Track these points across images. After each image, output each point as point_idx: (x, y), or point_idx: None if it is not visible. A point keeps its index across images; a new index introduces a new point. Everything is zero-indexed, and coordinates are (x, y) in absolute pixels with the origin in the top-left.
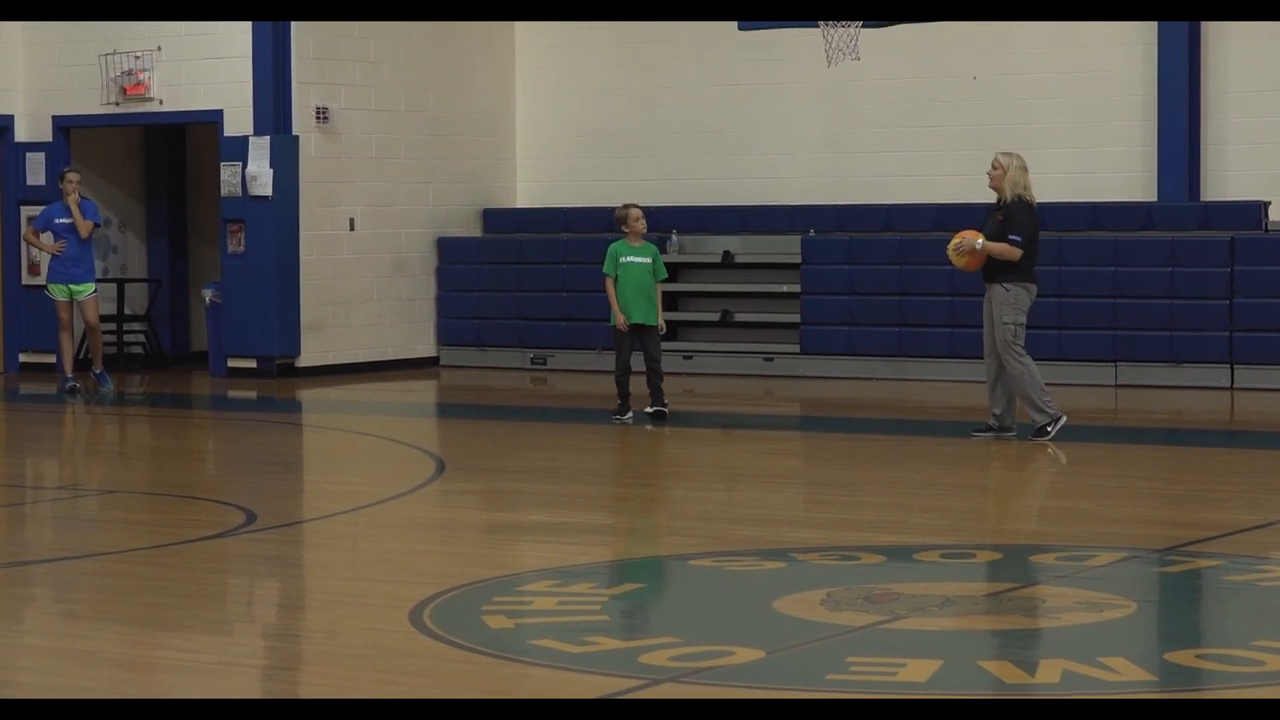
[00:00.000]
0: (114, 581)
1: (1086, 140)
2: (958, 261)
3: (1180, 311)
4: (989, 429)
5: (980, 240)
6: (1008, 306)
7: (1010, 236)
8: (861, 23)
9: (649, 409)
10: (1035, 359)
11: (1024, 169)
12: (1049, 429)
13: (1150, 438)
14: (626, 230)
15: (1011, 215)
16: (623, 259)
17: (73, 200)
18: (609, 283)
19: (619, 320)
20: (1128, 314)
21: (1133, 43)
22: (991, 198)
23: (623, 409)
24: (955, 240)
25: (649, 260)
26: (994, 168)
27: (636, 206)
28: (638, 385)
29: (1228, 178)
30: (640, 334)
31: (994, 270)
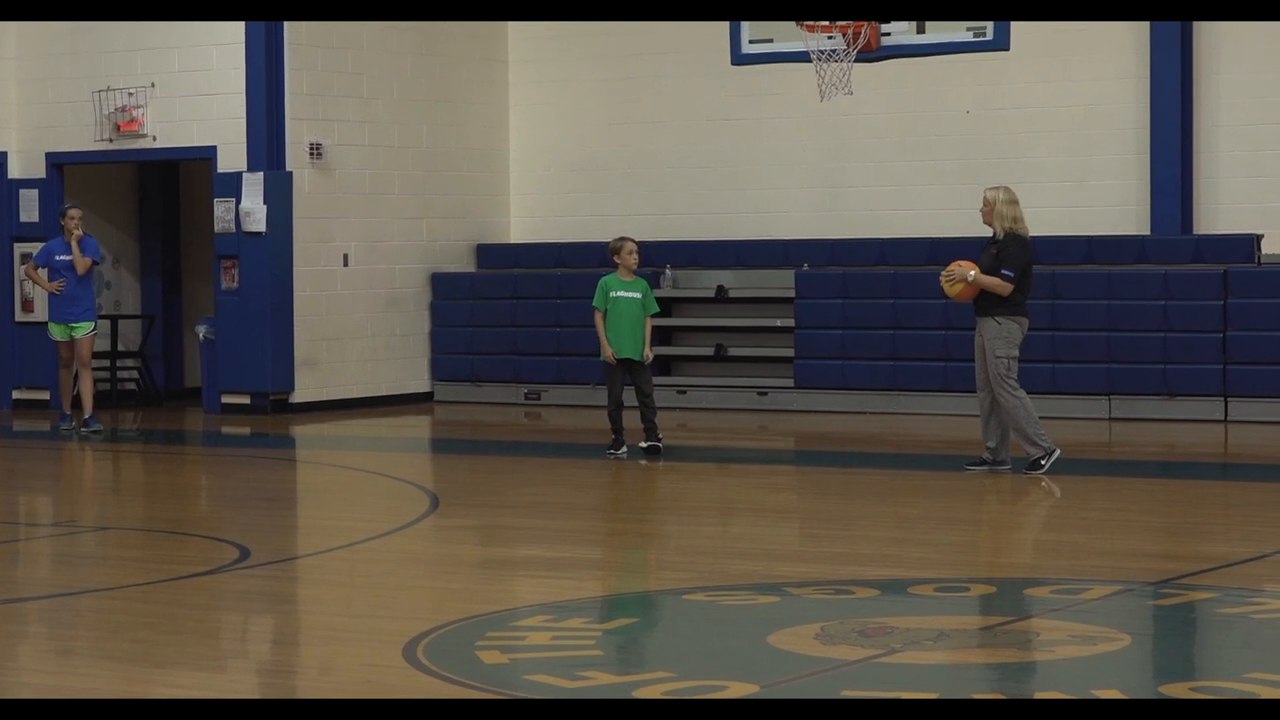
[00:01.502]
0: (108, 618)
1: (1080, 174)
2: (949, 290)
3: (1174, 344)
4: (983, 463)
5: (973, 272)
6: (999, 340)
7: (1003, 271)
8: (854, 56)
9: (643, 444)
10: (1029, 392)
11: (1012, 201)
12: (1043, 462)
13: (1144, 471)
14: (619, 263)
15: (1004, 249)
16: (613, 293)
17: (74, 238)
18: (599, 316)
19: (607, 354)
20: (1121, 347)
21: (1125, 77)
22: (986, 231)
23: (617, 443)
24: (950, 268)
25: (639, 295)
26: (984, 204)
27: (631, 239)
28: (631, 419)
29: (1220, 211)
30: (631, 368)
31: (985, 303)
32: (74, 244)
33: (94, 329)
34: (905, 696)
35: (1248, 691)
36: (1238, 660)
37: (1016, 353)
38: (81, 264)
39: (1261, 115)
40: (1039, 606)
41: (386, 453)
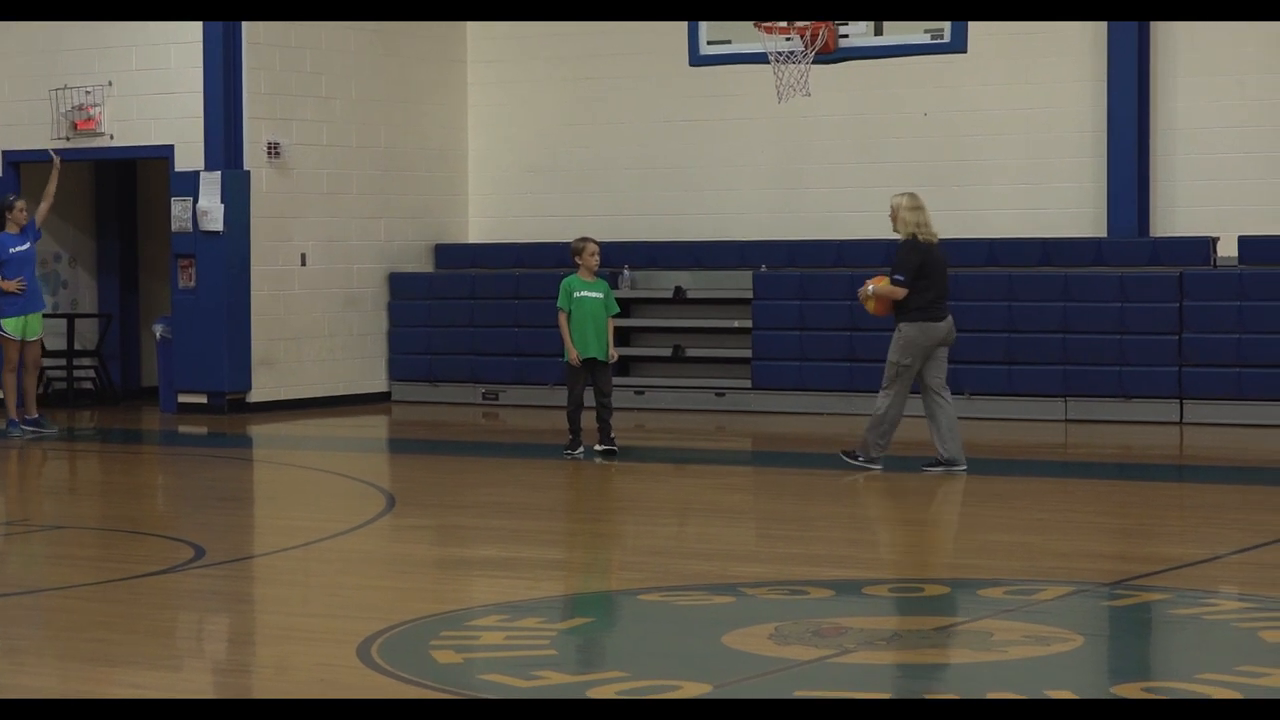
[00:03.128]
0: (61, 617)
1: (1037, 176)
2: (867, 308)
3: (1130, 346)
4: (938, 464)
5: (872, 286)
6: (895, 347)
7: (894, 277)
8: (812, 58)
9: (598, 447)
10: (985, 394)
11: (915, 208)
12: (859, 458)
13: (1099, 472)
14: (580, 263)
15: (897, 255)
16: (576, 293)
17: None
18: (563, 317)
19: (572, 355)
20: (1077, 349)
21: (1083, 79)
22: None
23: (574, 444)
24: (862, 288)
25: (601, 295)
26: (891, 210)
27: (593, 240)
28: (588, 420)
29: (1177, 214)
30: (593, 369)
31: (896, 310)
32: (41, 214)
33: (42, 329)
34: (858, 697)
35: (1199, 692)
36: (1190, 661)
37: (909, 361)
38: (41, 213)
39: (1218, 118)
40: (993, 607)
41: (343, 452)
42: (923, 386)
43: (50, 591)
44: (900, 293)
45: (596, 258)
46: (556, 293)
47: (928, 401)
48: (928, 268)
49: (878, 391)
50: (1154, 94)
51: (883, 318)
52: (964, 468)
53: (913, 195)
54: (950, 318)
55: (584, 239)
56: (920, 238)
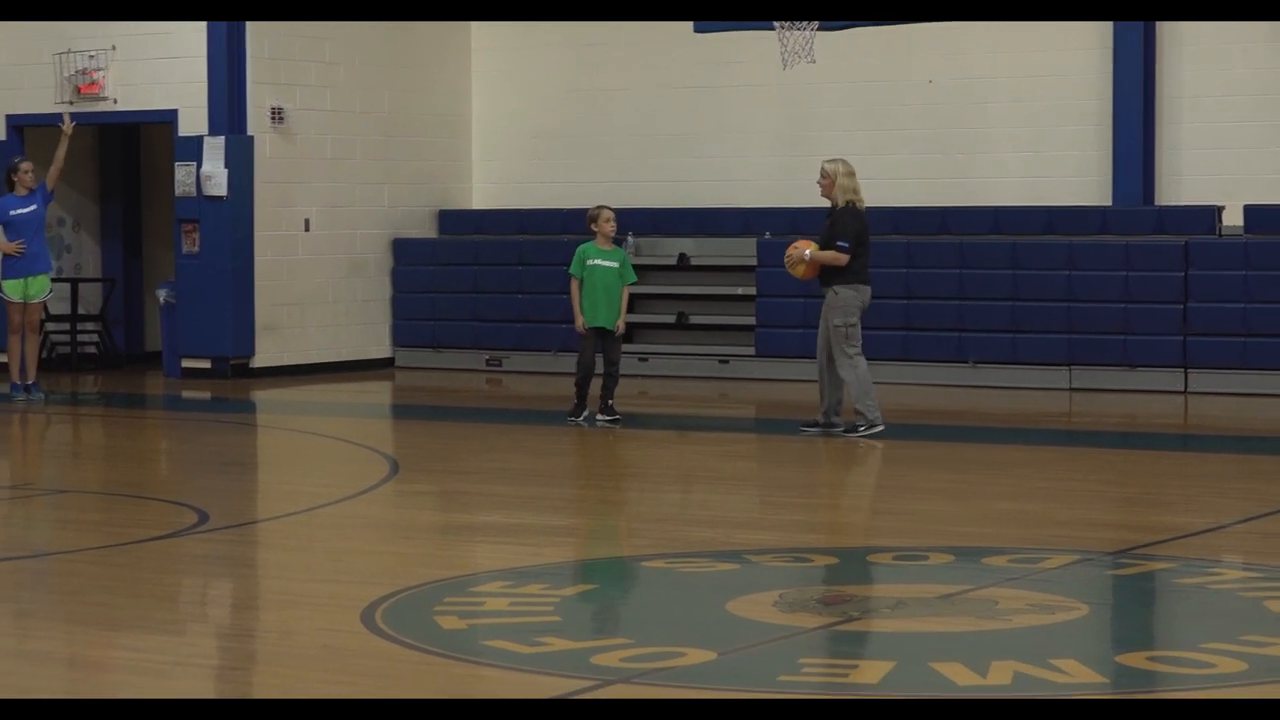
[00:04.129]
0: (65, 581)
1: (1041, 144)
2: (793, 272)
3: (1134, 315)
4: (817, 425)
5: (809, 250)
6: (835, 310)
7: (837, 243)
8: (817, 25)
9: (599, 415)
10: (990, 363)
11: (850, 174)
12: (860, 428)
13: (1104, 441)
14: (596, 231)
15: (838, 221)
16: (590, 261)
17: (29, 190)
18: (574, 284)
19: (579, 323)
20: (1082, 318)
21: (1088, 47)
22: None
23: (578, 409)
24: (788, 252)
25: (617, 264)
26: (823, 176)
27: (609, 208)
28: (595, 388)
29: (1182, 182)
30: (603, 337)
31: (826, 275)
32: (53, 178)
33: (51, 290)
34: (858, 698)
35: (1204, 661)
36: (1194, 630)
37: (855, 320)
38: (52, 176)
39: (1224, 87)
40: (997, 575)
41: (347, 418)
42: (820, 348)
43: (54, 556)
44: (843, 259)
45: (612, 225)
46: (560, 259)
47: (821, 362)
48: (863, 234)
49: (840, 361)
50: (1159, 62)
51: (806, 282)
52: (840, 429)
53: (846, 162)
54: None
55: (600, 207)
56: (856, 204)
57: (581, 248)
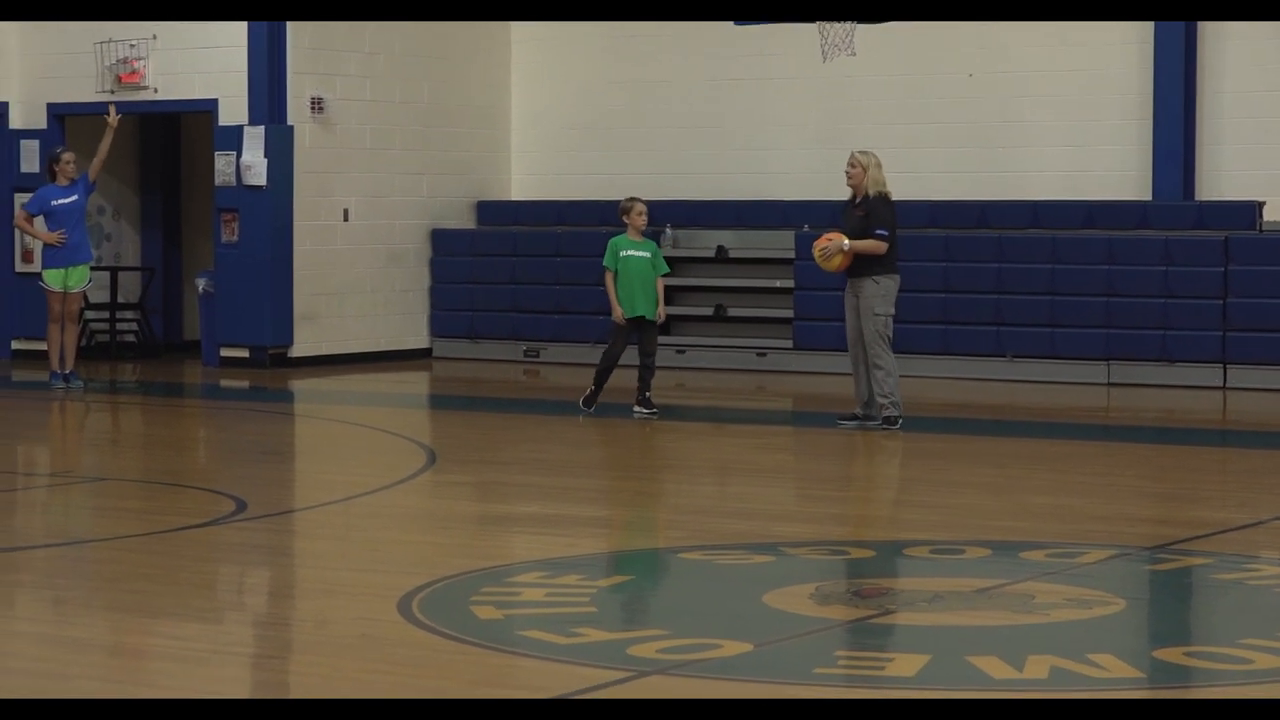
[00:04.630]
0: (104, 568)
1: (1082, 139)
2: (827, 265)
3: (1174, 311)
4: (855, 418)
5: (847, 241)
6: (878, 299)
7: (877, 231)
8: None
9: (638, 406)
10: (1028, 356)
11: (880, 165)
12: (898, 420)
13: (1142, 436)
14: (628, 223)
15: (874, 210)
16: (623, 253)
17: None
18: (609, 276)
19: (617, 314)
20: (1121, 312)
21: (1129, 41)
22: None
23: (591, 399)
24: (821, 244)
25: (649, 255)
26: (852, 166)
27: (640, 200)
28: (621, 378)
29: (1223, 177)
30: (640, 328)
31: (862, 265)
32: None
33: (90, 280)
34: (893, 695)
35: (1241, 656)
36: (1232, 625)
37: (894, 310)
38: (95, 167)
39: (1266, 82)
40: (1034, 570)
41: (384, 408)
42: (852, 340)
43: (93, 543)
44: (883, 247)
45: (644, 217)
46: (598, 251)
47: (856, 355)
48: (895, 224)
49: (849, 352)
50: (1201, 56)
51: (835, 274)
52: (878, 423)
53: (876, 154)
54: None
55: (632, 199)
56: (885, 194)
57: (613, 240)
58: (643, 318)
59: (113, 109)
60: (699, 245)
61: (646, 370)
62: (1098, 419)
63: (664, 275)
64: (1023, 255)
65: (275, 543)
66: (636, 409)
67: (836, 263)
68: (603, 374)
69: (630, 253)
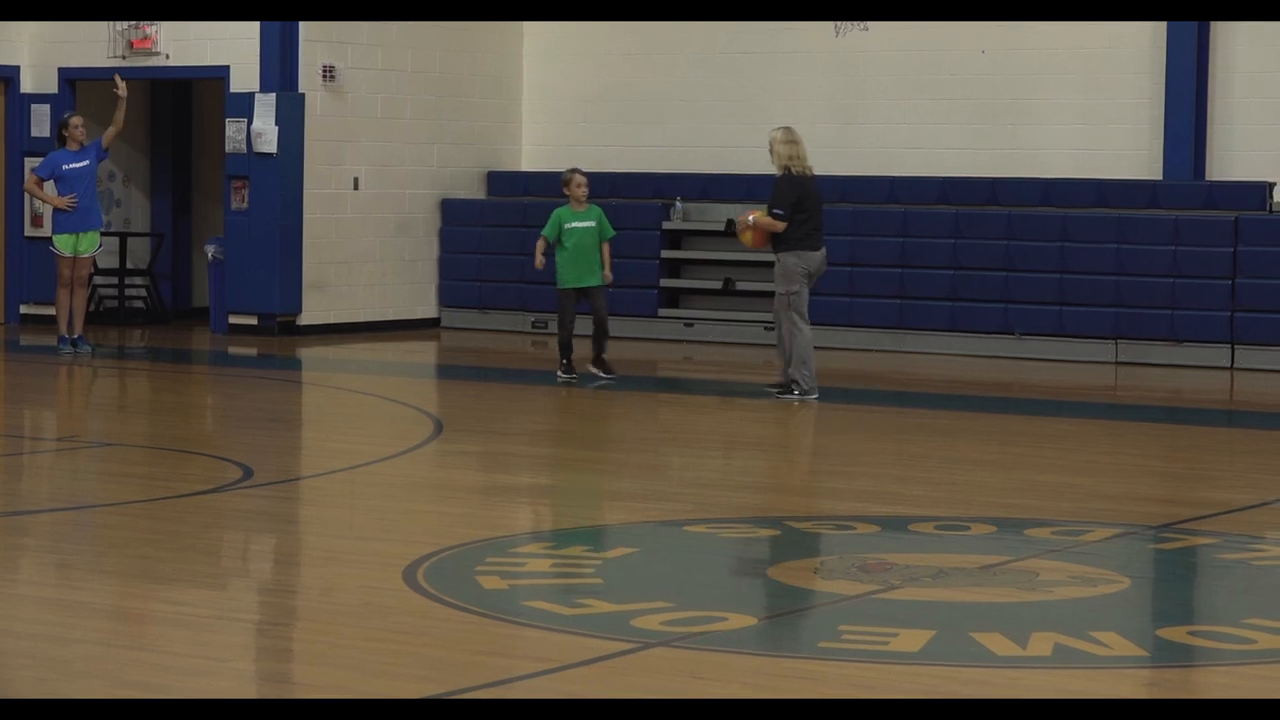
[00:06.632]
0: (109, 534)
1: (1093, 117)
2: (743, 240)
3: (1182, 290)
4: (780, 386)
5: (752, 216)
6: (779, 276)
7: (772, 210)
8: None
9: (594, 367)
10: (1036, 334)
11: (790, 141)
12: (794, 391)
13: (1149, 415)
14: (569, 194)
15: (774, 189)
16: (567, 225)
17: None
18: (540, 243)
19: (538, 262)
20: (1130, 291)
21: (1141, 21)
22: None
23: (568, 368)
24: (739, 218)
25: (593, 224)
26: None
27: (580, 171)
28: (580, 348)
29: (1233, 157)
30: (588, 294)
31: (774, 241)
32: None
33: (100, 245)
34: (860, 697)
35: (1244, 636)
36: (1236, 606)
37: (797, 287)
38: (109, 136)
39: (1278, 63)
40: (1039, 547)
41: (392, 377)
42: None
43: (98, 508)
44: (779, 225)
45: (584, 189)
46: (609, 223)
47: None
48: (805, 201)
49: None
50: (1213, 37)
51: (759, 249)
52: (816, 395)
53: (788, 130)
54: (824, 249)
55: (572, 170)
56: (794, 171)
57: (557, 211)
58: (589, 287)
59: (120, 80)
60: (709, 218)
61: (601, 333)
62: (1105, 398)
63: (608, 239)
64: (1032, 233)
65: (281, 510)
66: (594, 370)
67: (748, 237)
68: (565, 346)
69: (574, 224)
